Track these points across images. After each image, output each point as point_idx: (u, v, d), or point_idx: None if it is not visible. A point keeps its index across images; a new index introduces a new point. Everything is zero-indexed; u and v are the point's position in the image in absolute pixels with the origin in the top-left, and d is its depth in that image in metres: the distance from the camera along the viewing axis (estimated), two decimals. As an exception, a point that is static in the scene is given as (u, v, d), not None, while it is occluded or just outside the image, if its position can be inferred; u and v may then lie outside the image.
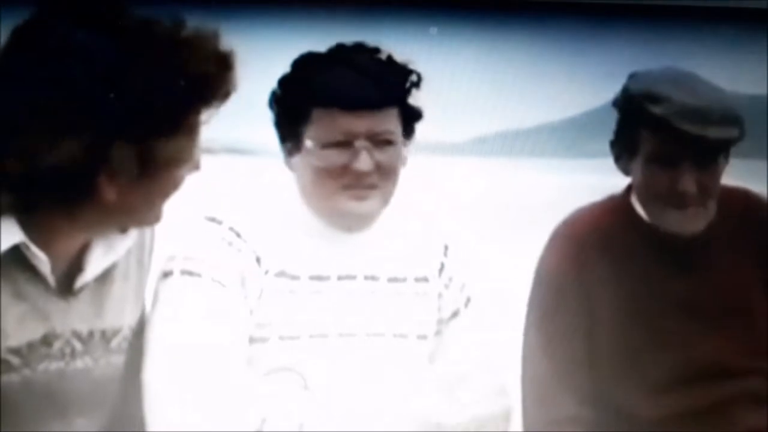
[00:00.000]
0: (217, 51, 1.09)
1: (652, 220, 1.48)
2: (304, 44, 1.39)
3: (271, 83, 1.38)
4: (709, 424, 1.44)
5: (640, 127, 1.44)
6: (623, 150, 1.49)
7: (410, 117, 1.40)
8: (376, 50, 1.38)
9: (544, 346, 1.48)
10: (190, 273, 1.29)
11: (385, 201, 1.38)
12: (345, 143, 1.32)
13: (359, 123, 1.32)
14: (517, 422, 1.47)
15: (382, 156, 1.34)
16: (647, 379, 1.46)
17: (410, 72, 1.39)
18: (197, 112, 1.10)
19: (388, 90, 1.35)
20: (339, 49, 1.38)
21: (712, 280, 1.48)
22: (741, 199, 1.54)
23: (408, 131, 1.40)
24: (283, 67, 1.38)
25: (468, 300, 1.48)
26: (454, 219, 1.61)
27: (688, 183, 1.40)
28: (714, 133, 1.39)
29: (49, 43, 1.03)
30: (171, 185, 1.14)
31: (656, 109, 1.40)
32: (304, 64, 1.38)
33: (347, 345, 1.35)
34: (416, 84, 1.39)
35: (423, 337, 1.42)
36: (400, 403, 1.29)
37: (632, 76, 1.48)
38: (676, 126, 1.38)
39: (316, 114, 1.33)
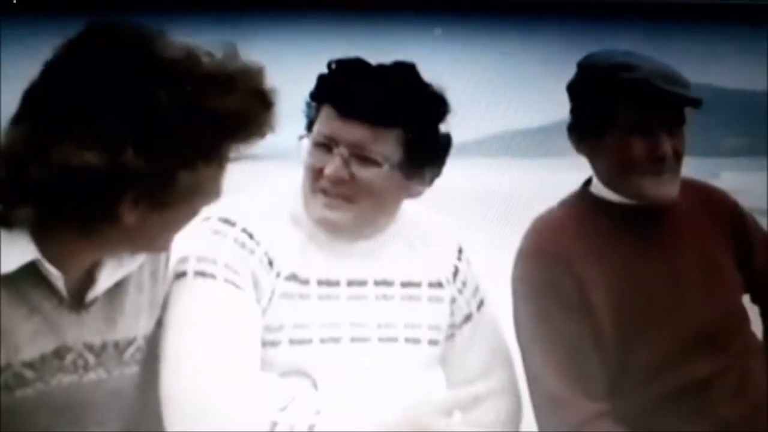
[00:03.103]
0: (260, 90, 1.08)
1: (627, 194, 1.48)
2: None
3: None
4: (695, 402, 1.45)
5: (615, 99, 1.44)
6: (590, 130, 1.48)
7: (420, 148, 1.32)
8: (411, 70, 1.34)
9: (550, 357, 1.44)
10: (204, 274, 1.28)
11: (360, 218, 1.34)
12: (327, 146, 1.32)
13: (347, 131, 1.30)
14: (527, 426, 1.47)
15: (363, 172, 1.30)
16: (641, 362, 1.45)
17: (435, 101, 1.34)
18: (230, 147, 1.09)
19: (392, 110, 1.30)
20: (378, 65, 1.34)
21: (685, 246, 1.50)
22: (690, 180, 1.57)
23: (414, 161, 1.33)
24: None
25: (481, 303, 1.48)
26: (461, 221, 1.61)
27: (667, 147, 1.43)
28: (686, 92, 1.43)
29: (87, 64, 1.03)
30: (190, 215, 1.14)
31: (635, 75, 1.42)
32: (342, 65, 1.35)
33: (359, 350, 1.35)
34: (440, 114, 1.33)
35: (435, 342, 1.42)
36: (411, 409, 1.28)
37: (587, 58, 1.50)
38: (659, 86, 1.40)
39: (322, 112, 1.34)
